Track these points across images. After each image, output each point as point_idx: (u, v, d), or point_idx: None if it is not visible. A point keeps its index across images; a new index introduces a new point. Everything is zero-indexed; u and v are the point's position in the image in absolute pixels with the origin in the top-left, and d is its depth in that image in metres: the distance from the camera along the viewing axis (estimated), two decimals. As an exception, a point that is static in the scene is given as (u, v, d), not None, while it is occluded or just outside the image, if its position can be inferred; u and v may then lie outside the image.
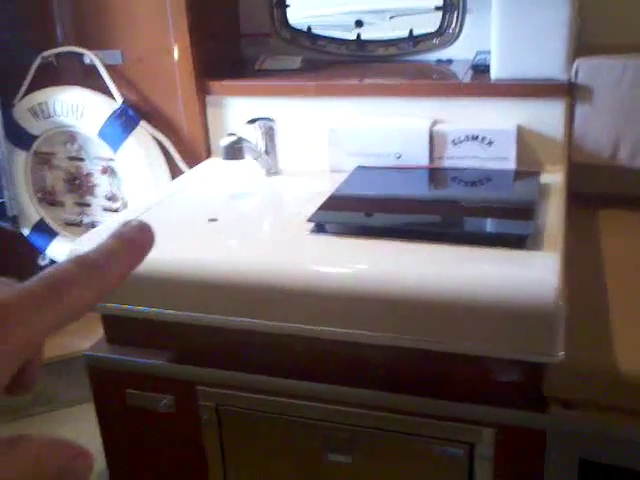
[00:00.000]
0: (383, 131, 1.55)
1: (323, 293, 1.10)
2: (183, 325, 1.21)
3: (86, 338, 1.36)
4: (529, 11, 1.45)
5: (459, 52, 1.73)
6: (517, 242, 1.14)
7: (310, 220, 1.26)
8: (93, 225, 1.86)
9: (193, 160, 1.75)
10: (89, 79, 1.77)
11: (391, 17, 1.80)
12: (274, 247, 1.21)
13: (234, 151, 1.44)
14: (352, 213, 1.36)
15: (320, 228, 1.25)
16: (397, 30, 1.79)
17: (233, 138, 1.45)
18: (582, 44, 1.53)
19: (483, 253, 1.12)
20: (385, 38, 1.79)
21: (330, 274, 1.11)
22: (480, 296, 1.03)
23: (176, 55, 1.68)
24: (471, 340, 1.05)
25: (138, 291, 1.21)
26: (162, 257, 1.20)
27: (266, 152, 1.57)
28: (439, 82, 1.57)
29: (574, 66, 1.46)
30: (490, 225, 1.29)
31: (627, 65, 1.44)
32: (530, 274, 1.05)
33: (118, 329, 1.31)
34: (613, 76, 1.45)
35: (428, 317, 1.06)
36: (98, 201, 1.86)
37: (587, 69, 1.46)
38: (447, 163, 1.52)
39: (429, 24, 1.74)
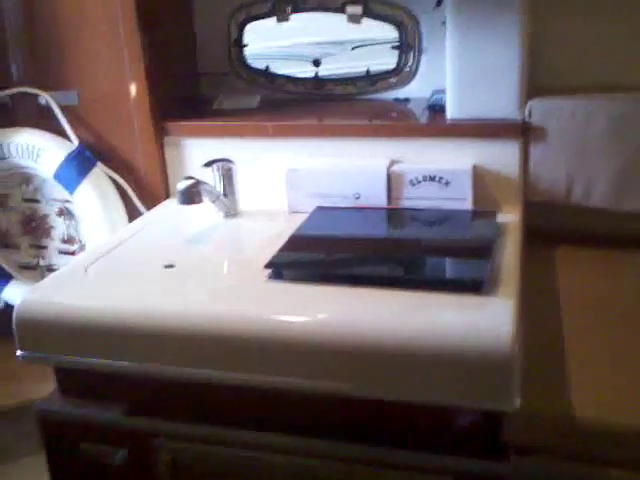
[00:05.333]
0: (341, 172, 1.55)
1: (279, 343, 1.09)
2: (138, 376, 1.18)
3: (37, 386, 1.33)
4: (482, 52, 1.47)
5: (416, 90, 1.74)
6: (473, 287, 1.14)
7: (268, 266, 1.24)
8: (49, 268, 1.82)
9: (151, 201, 1.73)
10: (45, 119, 1.74)
11: (353, 48, 1.81)
12: (230, 295, 1.20)
13: (191, 195, 1.43)
14: (310, 258, 1.35)
15: (278, 274, 1.24)
16: (356, 61, 1.79)
17: (190, 182, 1.43)
18: (535, 84, 1.55)
19: (440, 299, 1.12)
20: (343, 77, 1.79)
21: (286, 323, 1.10)
22: (436, 345, 1.03)
23: (133, 95, 1.67)
24: (428, 389, 1.04)
25: (91, 342, 1.18)
26: (116, 306, 1.18)
27: (224, 194, 1.56)
28: (396, 123, 1.58)
29: (527, 107, 1.48)
30: (447, 269, 1.29)
31: (578, 106, 1.46)
32: (485, 322, 1.05)
33: (71, 381, 1.28)
34: (565, 117, 1.47)
35: (385, 366, 1.05)
36: (54, 244, 1.83)
37: (540, 110, 1.48)
38: (405, 203, 1.52)
39: (387, 62, 1.75)
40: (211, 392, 1.18)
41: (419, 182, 1.51)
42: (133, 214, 1.74)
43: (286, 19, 1.76)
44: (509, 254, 1.30)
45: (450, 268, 1.29)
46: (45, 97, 1.71)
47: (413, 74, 1.73)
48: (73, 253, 1.80)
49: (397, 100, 1.75)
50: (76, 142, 1.71)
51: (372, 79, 1.77)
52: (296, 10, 1.75)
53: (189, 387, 1.17)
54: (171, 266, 1.32)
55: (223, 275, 1.32)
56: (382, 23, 1.71)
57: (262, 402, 1.17)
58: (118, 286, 1.25)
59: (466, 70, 1.49)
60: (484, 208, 1.50)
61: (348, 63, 1.79)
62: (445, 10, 1.49)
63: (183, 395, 1.21)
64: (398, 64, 1.74)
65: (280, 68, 1.83)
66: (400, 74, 1.74)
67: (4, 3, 1.71)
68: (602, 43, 1.55)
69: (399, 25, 1.70)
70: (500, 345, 1.00)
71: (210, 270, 1.32)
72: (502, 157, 1.51)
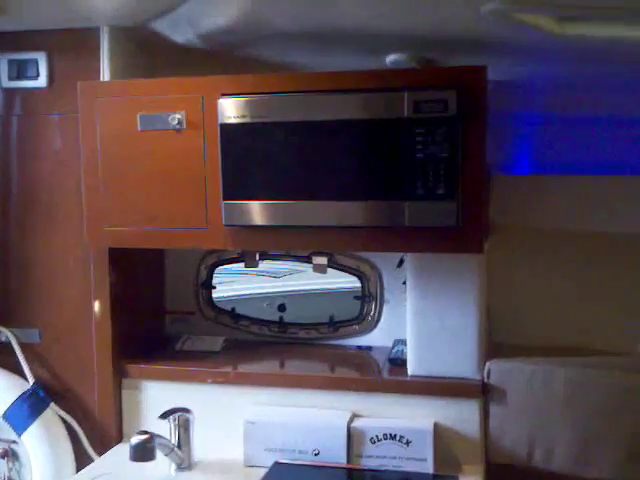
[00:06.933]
0: (301, 426, 1.52)
1: None
2: None
3: None
4: (441, 314, 1.52)
5: (378, 339, 1.78)
6: None
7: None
8: (-19, 515, 1.69)
9: (103, 443, 1.66)
10: (4, 355, 1.71)
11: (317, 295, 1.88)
12: None
13: (144, 452, 1.38)
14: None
15: None
16: (320, 308, 1.85)
17: (143, 438, 1.38)
18: (493, 343, 1.60)
19: None
20: (307, 322, 1.83)
21: None
22: None
23: (96, 336, 1.66)
24: None
25: None
26: None
27: (179, 446, 1.51)
28: (358, 378, 1.59)
29: (486, 368, 1.51)
30: None
31: (536, 369, 1.50)
32: None
33: None
34: (524, 379, 1.50)
35: None
36: (-7, 488, 1.72)
37: (499, 371, 1.51)
38: (366, 462, 1.49)
39: (350, 310, 1.80)
40: None
41: (379, 440, 1.49)
42: (83, 458, 1.66)
43: (254, 265, 1.82)
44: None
45: None
46: (6, 334, 1.70)
47: (375, 323, 1.78)
48: (12, 500, 1.69)
49: (360, 348, 1.77)
50: (31, 381, 1.67)
51: (335, 325, 1.81)
52: (264, 257, 1.83)
53: None
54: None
55: None
56: (346, 274, 1.79)
57: None
58: None
59: (426, 330, 1.53)
60: (445, 469, 1.47)
61: (311, 309, 1.84)
62: (406, 271, 1.57)
63: None
64: (360, 313, 1.79)
65: (246, 310, 1.87)
66: (362, 322, 1.79)
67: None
68: (558, 306, 1.62)
69: (362, 277, 1.77)
70: None
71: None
72: (463, 416, 1.51)
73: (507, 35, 1.45)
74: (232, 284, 1.91)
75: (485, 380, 1.51)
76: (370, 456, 1.49)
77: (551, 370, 1.49)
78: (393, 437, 1.48)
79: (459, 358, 1.52)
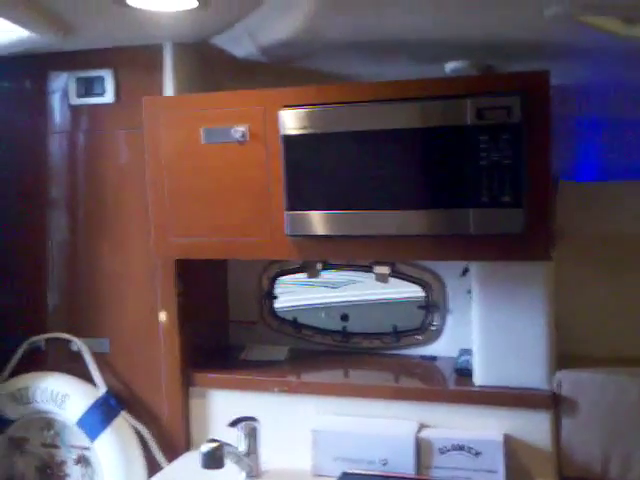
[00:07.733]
0: (368, 435, 1.52)
1: None
2: None
3: None
4: (508, 323, 1.49)
5: (443, 348, 1.76)
6: None
7: None
8: (58, 522, 1.74)
9: (172, 451, 1.69)
10: (75, 364, 1.76)
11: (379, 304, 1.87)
12: None
13: (214, 460, 1.40)
14: None
15: None
16: (383, 318, 1.84)
17: (213, 445, 1.40)
18: (562, 352, 1.56)
19: None
20: (370, 331, 1.82)
21: None
22: None
23: (163, 345, 1.70)
24: None
25: None
26: None
27: (247, 454, 1.52)
28: (424, 388, 1.58)
29: (557, 378, 1.48)
30: None
31: (608, 380, 1.45)
32: None
33: None
34: (596, 390, 1.45)
35: None
36: (67, 493, 1.77)
37: (570, 382, 1.47)
38: (435, 473, 1.47)
39: (413, 320, 1.79)
40: None
41: (448, 451, 1.47)
42: (153, 464, 1.70)
43: (316, 275, 1.83)
44: None
45: None
46: (77, 343, 1.75)
47: (439, 332, 1.76)
48: (85, 506, 1.73)
49: (424, 357, 1.76)
50: (103, 389, 1.71)
51: (398, 335, 1.79)
52: (326, 267, 1.83)
53: None
54: None
55: None
56: (409, 283, 1.77)
57: None
58: None
59: (493, 340, 1.51)
60: (518, 483, 1.44)
61: (374, 319, 1.84)
62: (471, 280, 1.55)
63: None
64: (423, 322, 1.77)
65: (308, 320, 1.88)
66: (426, 332, 1.77)
67: (53, 253, 1.81)
68: (629, 315, 1.57)
69: (425, 286, 1.76)
70: None
71: None
72: (533, 428, 1.48)
73: (569, 38, 1.42)
74: (294, 294, 1.93)
75: (556, 391, 1.47)
76: (439, 467, 1.47)
77: (625, 380, 1.44)
78: (462, 447, 1.46)
79: (528, 368, 1.49)
